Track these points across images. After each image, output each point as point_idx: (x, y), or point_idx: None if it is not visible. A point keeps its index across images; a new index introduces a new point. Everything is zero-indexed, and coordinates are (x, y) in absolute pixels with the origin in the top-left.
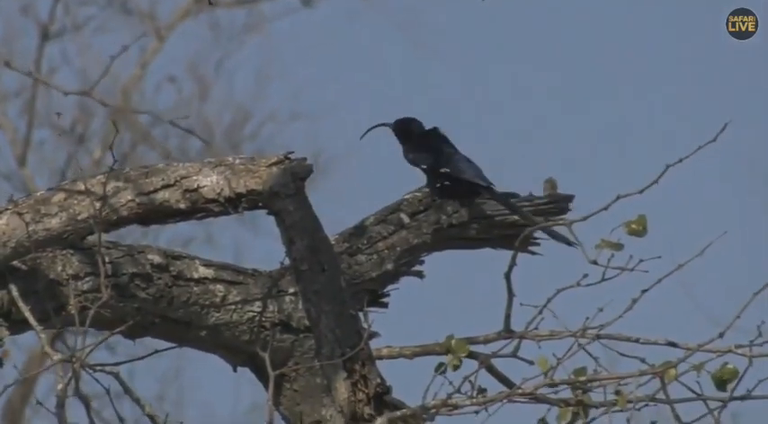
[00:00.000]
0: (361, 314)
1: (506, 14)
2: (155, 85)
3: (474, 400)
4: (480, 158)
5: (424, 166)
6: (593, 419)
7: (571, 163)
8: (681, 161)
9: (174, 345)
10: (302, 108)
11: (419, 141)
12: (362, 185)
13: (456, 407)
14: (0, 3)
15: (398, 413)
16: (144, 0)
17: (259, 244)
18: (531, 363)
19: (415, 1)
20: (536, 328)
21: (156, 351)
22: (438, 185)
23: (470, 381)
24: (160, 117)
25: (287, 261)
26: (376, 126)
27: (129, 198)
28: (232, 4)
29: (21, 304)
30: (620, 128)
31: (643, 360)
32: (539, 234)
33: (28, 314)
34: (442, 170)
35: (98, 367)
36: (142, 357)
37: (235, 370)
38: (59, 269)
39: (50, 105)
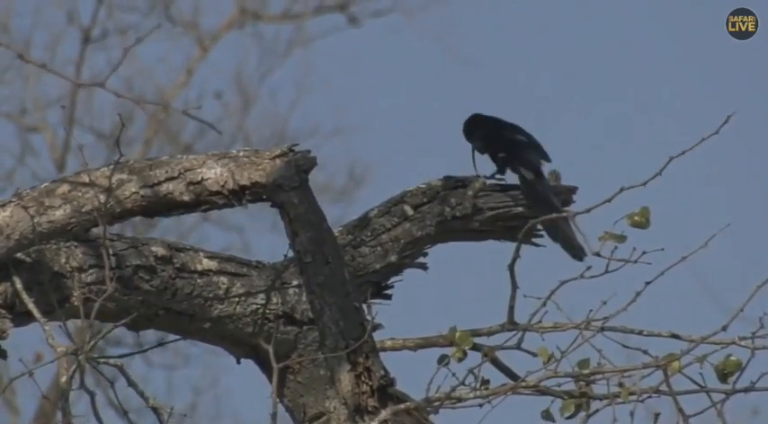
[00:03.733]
0: (364, 306)
1: (537, 22)
2: (197, 95)
3: (478, 392)
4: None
5: (502, 155)
6: (597, 411)
7: (575, 156)
8: (684, 153)
9: (178, 337)
10: (343, 122)
11: (488, 133)
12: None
13: (460, 399)
14: (44, 9)
15: (402, 406)
16: (188, 9)
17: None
18: (535, 355)
19: (453, 15)
20: (540, 320)
21: (161, 344)
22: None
23: (474, 373)
24: (173, 108)
25: (291, 253)
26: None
27: (134, 190)
28: (278, 18)
29: (25, 296)
30: (621, 128)
31: (646, 352)
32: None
33: (32, 307)
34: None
35: (102, 360)
36: (146, 350)
37: (238, 362)
38: (63, 261)
39: (91, 110)
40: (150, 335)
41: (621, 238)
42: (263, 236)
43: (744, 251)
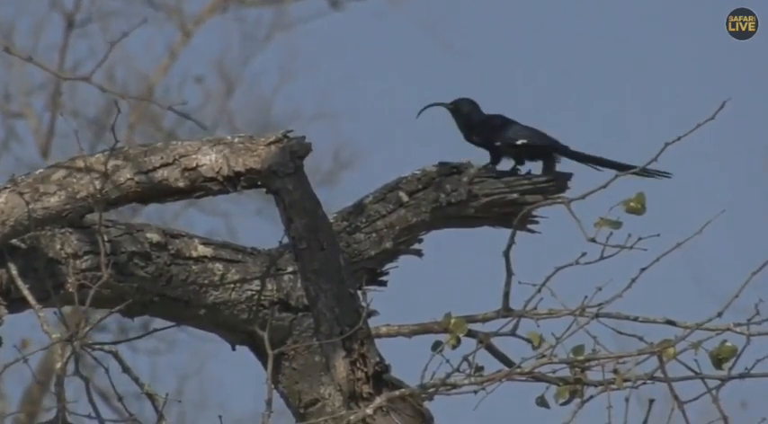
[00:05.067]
0: (359, 293)
1: (527, 16)
2: (179, 80)
3: (472, 379)
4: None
5: (498, 143)
6: (591, 397)
7: (571, 145)
8: (679, 139)
9: (172, 324)
10: (327, 107)
11: (483, 123)
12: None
13: (455, 386)
14: None
15: (397, 392)
16: None
17: None
18: (530, 341)
19: (438, 1)
20: (535, 307)
21: (155, 330)
22: (515, 162)
23: (469, 360)
24: (158, 102)
25: (286, 240)
26: (432, 105)
27: (129, 176)
28: (259, 2)
29: (19, 282)
30: (621, 128)
31: (641, 339)
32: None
33: (27, 293)
34: (519, 142)
35: (97, 346)
36: (140, 336)
37: (233, 349)
38: (58, 247)
39: (76, 97)
40: (136, 321)
41: (617, 224)
42: (248, 221)
43: (740, 237)
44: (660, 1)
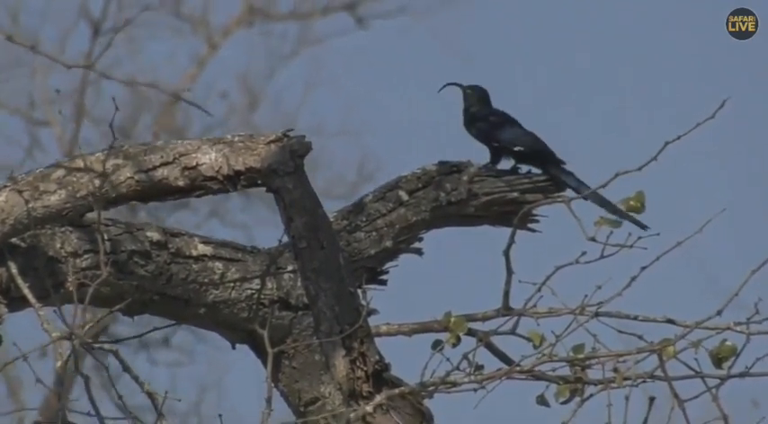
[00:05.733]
0: (359, 292)
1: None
2: (204, 91)
3: (472, 377)
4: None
5: (496, 144)
6: (592, 395)
7: (570, 143)
8: (679, 138)
9: (173, 322)
10: (351, 122)
11: (484, 118)
12: None
13: (454, 384)
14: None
15: (397, 390)
16: (197, 5)
17: None
18: (530, 340)
19: (460, 17)
20: (535, 305)
21: (155, 329)
22: (514, 164)
23: (469, 358)
24: (165, 90)
25: (285, 239)
26: (450, 84)
27: (129, 175)
28: (286, 17)
29: (19, 281)
30: (620, 128)
31: (641, 337)
32: (537, 211)
33: (27, 292)
34: (516, 148)
35: (97, 345)
36: (140, 335)
37: (233, 347)
38: (58, 246)
39: (100, 103)
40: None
41: (617, 223)
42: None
43: (741, 236)
44: (660, 1)
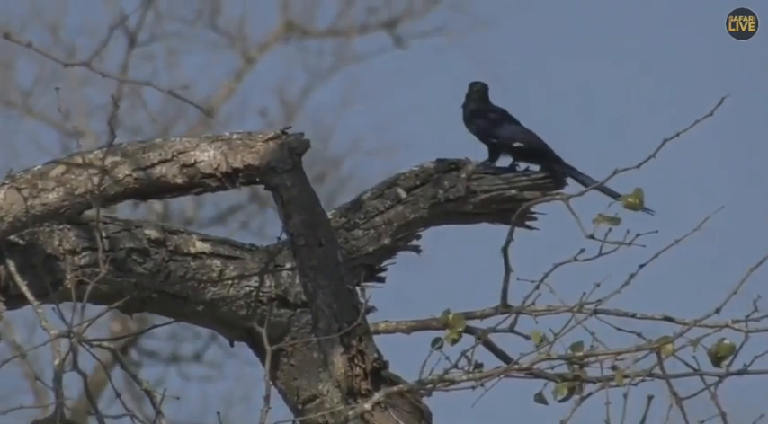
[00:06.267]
0: (358, 289)
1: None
2: (240, 106)
3: (471, 375)
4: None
5: (494, 140)
6: (590, 394)
7: (569, 141)
8: (678, 135)
9: (171, 320)
10: (385, 140)
11: (482, 114)
12: None
13: (453, 382)
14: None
15: (395, 388)
16: (234, 20)
17: None
18: (528, 338)
19: (495, 39)
20: (533, 303)
21: (154, 326)
22: (513, 162)
23: (467, 356)
24: (160, 88)
25: (284, 236)
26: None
27: (127, 172)
28: (323, 34)
29: (18, 278)
30: (620, 128)
31: (640, 335)
32: (535, 208)
33: (25, 289)
34: (515, 144)
35: (95, 342)
36: (138, 333)
37: (232, 345)
38: (56, 243)
39: (133, 116)
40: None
41: (615, 220)
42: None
43: (742, 233)
44: (660, 1)
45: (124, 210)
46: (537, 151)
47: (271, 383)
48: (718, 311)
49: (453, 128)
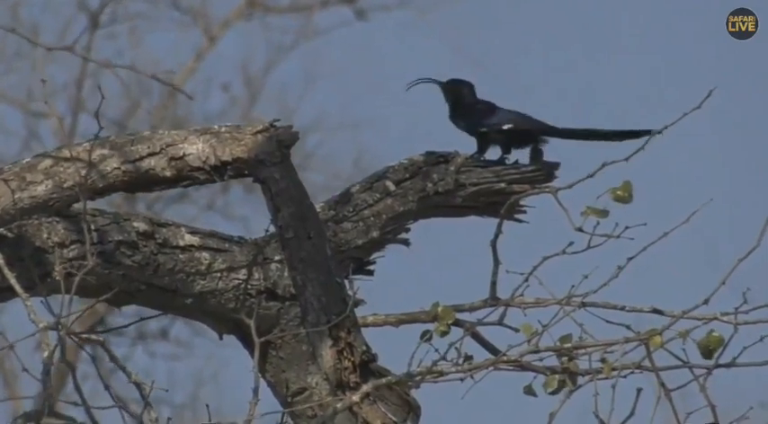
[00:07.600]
0: (346, 282)
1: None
2: (204, 84)
3: (459, 367)
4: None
5: (484, 129)
6: (579, 386)
7: (574, 157)
8: (666, 127)
9: (159, 312)
10: (349, 116)
11: (470, 108)
12: None
13: (441, 374)
14: None
15: (384, 380)
16: None
17: None
18: (517, 330)
19: (464, 13)
20: (522, 295)
21: (142, 319)
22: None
23: (456, 348)
24: (143, 72)
25: (272, 229)
26: (424, 80)
27: (115, 165)
28: (285, 10)
29: (6, 271)
30: (620, 125)
31: (628, 327)
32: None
33: (13, 282)
34: (505, 127)
35: (84, 335)
36: (127, 325)
37: (221, 338)
38: (45, 236)
39: (97, 95)
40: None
41: (604, 213)
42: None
43: (732, 225)
44: (660, 1)
45: (115, 200)
46: (528, 129)
47: (260, 375)
48: (706, 302)
49: (420, 106)
